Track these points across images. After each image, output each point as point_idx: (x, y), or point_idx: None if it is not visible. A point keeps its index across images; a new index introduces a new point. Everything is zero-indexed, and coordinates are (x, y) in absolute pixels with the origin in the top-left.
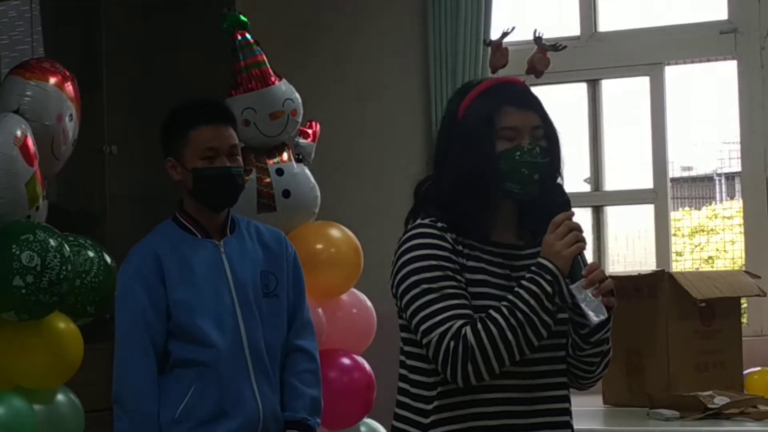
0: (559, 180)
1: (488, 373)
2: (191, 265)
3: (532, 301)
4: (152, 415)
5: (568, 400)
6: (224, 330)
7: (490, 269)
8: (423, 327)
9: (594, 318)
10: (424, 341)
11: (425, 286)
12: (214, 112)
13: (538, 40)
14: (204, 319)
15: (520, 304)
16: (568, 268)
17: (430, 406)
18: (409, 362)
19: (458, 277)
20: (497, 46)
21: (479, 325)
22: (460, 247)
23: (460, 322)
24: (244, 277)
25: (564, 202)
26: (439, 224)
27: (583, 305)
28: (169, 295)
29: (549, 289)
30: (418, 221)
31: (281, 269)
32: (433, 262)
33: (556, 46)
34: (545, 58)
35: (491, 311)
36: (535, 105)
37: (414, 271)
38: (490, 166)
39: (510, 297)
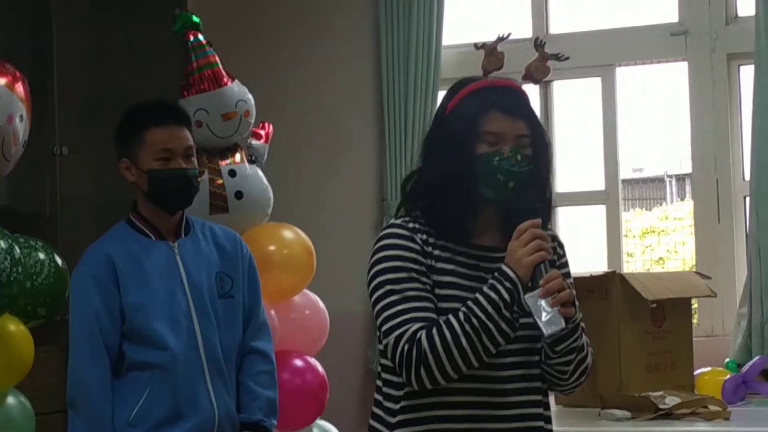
0: (549, 188)
1: (443, 377)
2: (145, 267)
3: (490, 308)
4: (106, 418)
5: (543, 405)
6: (179, 332)
7: (461, 271)
8: (383, 328)
9: (547, 329)
10: (383, 342)
11: (389, 287)
12: (169, 113)
13: (539, 47)
14: (158, 322)
15: (477, 311)
16: (529, 276)
17: (397, 406)
18: (382, 361)
19: (423, 279)
20: (492, 49)
21: (434, 330)
22: (429, 249)
23: (417, 326)
24: (198, 279)
25: (535, 209)
26: (411, 225)
27: (534, 316)
28: (123, 298)
29: (507, 296)
30: (391, 221)
31: (236, 270)
32: (399, 263)
33: (558, 55)
34: (544, 66)
35: (449, 316)
36: (525, 113)
37: (380, 272)
38: (468, 168)
39: (468, 303)
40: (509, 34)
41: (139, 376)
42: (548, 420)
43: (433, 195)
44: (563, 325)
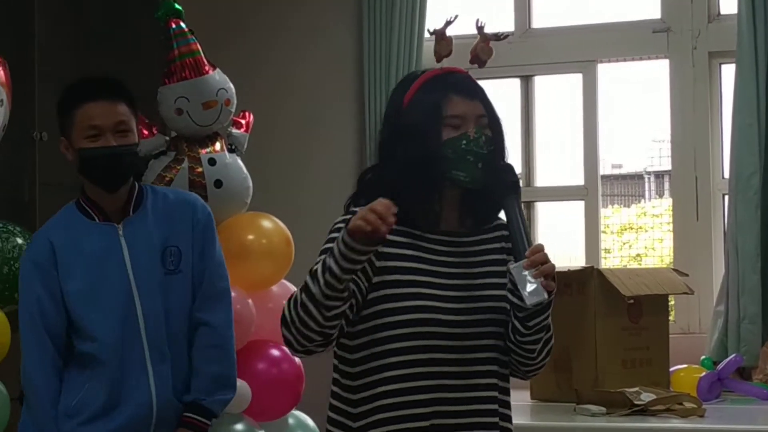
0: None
1: (297, 339)
2: (84, 253)
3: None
4: (45, 408)
5: (500, 389)
6: (112, 322)
7: (422, 256)
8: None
9: (530, 300)
10: None
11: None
12: (99, 88)
13: (480, 29)
14: (93, 312)
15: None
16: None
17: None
18: (338, 352)
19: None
20: (441, 35)
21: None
22: (390, 236)
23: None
24: (143, 259)
25: (512, 183)
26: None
27: (519, 286)
28: (62, 286)
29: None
30: (349, 210)
31: (186, 240)
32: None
33: (498, 35)
34: (488, 47)
35: None
36: (480, 94)
37: (321, 252)
38: (436, 154)
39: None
40: (456, 17)
41: (83, 367)
42: (504, 404)
43: (401, 185)
44: (545, 296)
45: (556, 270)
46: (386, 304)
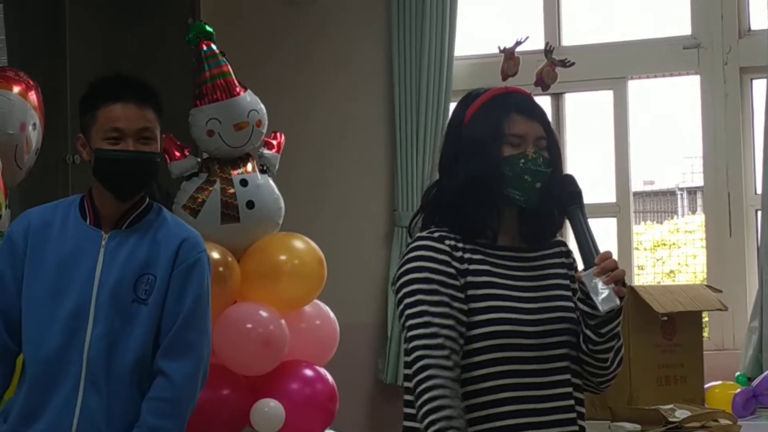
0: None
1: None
2: (58, 249)
3: None
4: None
5: (576, 400)
6: (59, 332)
7: (495, 271)
8: (410, 334)
9: (603, 306)
10: (409, 345)
11: (419, 297)
12: (127, 90)
13: (548, 53)
14: (39, 314)
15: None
16: None
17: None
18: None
19: (450, 292)
20: (510, 54)
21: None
22: (459, 253)
23: (438, 360)
24: (114, 278)
25: (575, 193)
26: (437, 233)
27: (591, 293)
28: (24, 272)
29: None
30: (418, 234)
31: (165, 275)
32: (429, 275)
33: (565, 61)
34: (554, 72)
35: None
36: (540, 116)
37: (411, 281)
38: (495, 171)
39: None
40: (527, 38)
41: (24, 370)
42: (581, 416)
43: (460, 201)
44: (618, 302)
45: None
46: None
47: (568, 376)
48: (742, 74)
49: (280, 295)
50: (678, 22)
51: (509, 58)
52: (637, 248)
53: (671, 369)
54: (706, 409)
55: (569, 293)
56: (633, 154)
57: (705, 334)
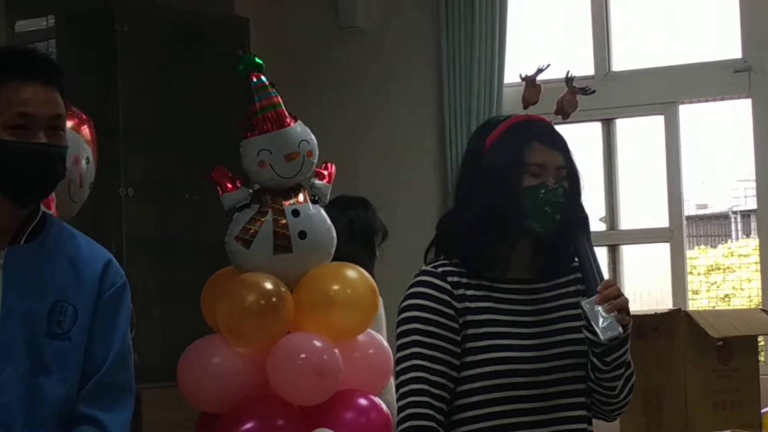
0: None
1: None
2: None
3: None
4: None
5: (587, 420)
6: None
7: (498, 307)
8: (399, 379)
9: (604, 334)
10: (398, 390)
11: (415, 337)
12: (39, 66)
13: (568, 81)
14: None
15: None
16: None
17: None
18: None
19: (446, 334)
20: (531, 81)
21: None
22: (462, 290)
23: (418, 409)
24: (19, 307)
25: (581, 219)
26: (442, 269)
27: (591, 321)
28: None
29: None
30: (422, 268)
31: (87, 304)
32: (427, 315)
33: (585, 89)
34: (574, 100)
35: None
36: (562, 145)
37: (408, 319)
38: (514, 201)
39: None
40: (548, 65)
41: None
42: None
43: (473, 232)
44: (620, 331)
45: (643, 313)
46: (463, 358)
47: (582, 412)
48: None
49: (333, 325)
50: (728, 46)
51: (530, 85)
52: (691, 273)
53: (727, 394)
54: None
55: (582, 323)
56: (685, 179)
57: (761, 359)
